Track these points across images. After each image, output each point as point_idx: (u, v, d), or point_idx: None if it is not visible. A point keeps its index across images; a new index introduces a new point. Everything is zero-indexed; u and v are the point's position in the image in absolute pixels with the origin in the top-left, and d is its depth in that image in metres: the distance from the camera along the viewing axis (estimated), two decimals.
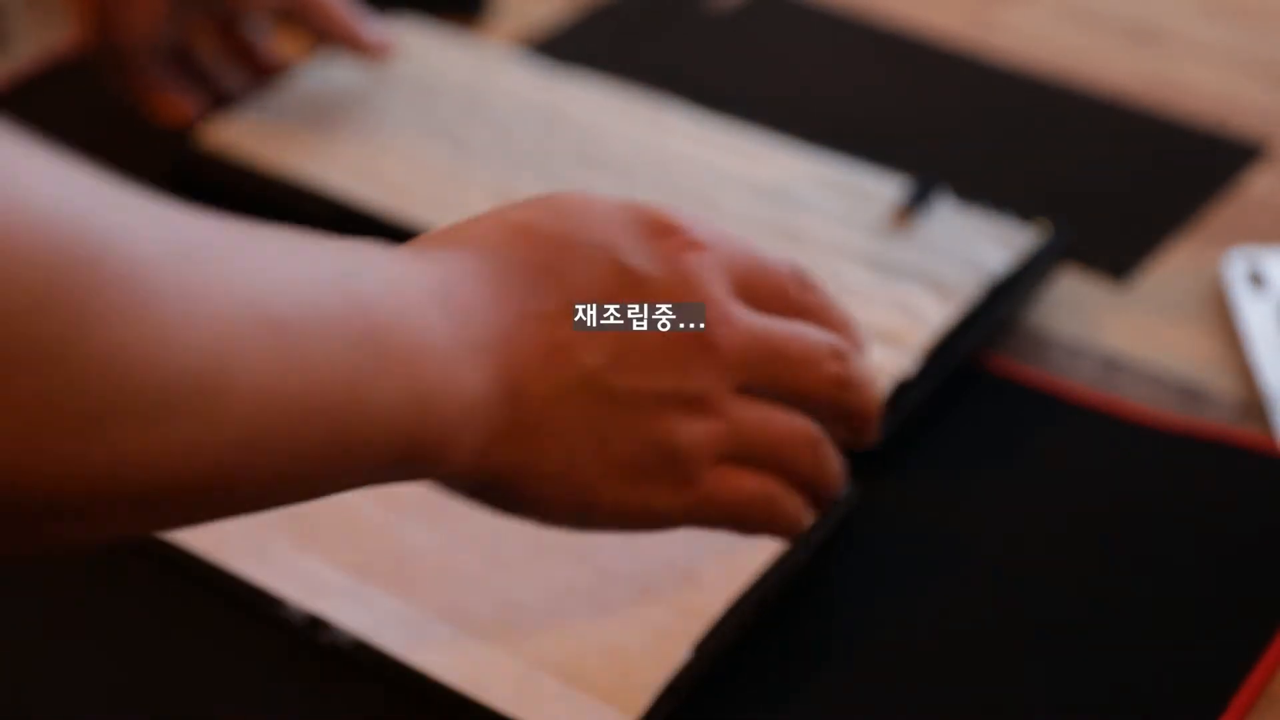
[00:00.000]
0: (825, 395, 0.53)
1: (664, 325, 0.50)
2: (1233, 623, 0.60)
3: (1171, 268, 0.75)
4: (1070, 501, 0.64)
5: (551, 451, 0.49)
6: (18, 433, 0.38)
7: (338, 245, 0.46)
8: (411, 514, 0.61)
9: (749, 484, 0.52)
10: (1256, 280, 0.73)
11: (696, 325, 0.50)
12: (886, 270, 0.70)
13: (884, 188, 0.74)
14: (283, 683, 0.57)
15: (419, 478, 0.48)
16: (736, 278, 0.52)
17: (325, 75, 0.82)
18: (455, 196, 0.75)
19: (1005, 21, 0.92)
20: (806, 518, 0.55)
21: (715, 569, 0.59)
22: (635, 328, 0.50)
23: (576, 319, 0.49)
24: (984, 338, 0.69)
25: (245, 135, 0.78)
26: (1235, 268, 0.74)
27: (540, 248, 0.50)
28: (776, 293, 0.53)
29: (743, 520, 0.53)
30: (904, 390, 0.65)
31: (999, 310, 0.69)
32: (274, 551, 0.60)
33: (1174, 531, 0.63)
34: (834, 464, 0.55)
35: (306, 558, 0.60)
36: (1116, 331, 0.72)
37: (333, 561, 0.59)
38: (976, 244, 0.71)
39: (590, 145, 0.77)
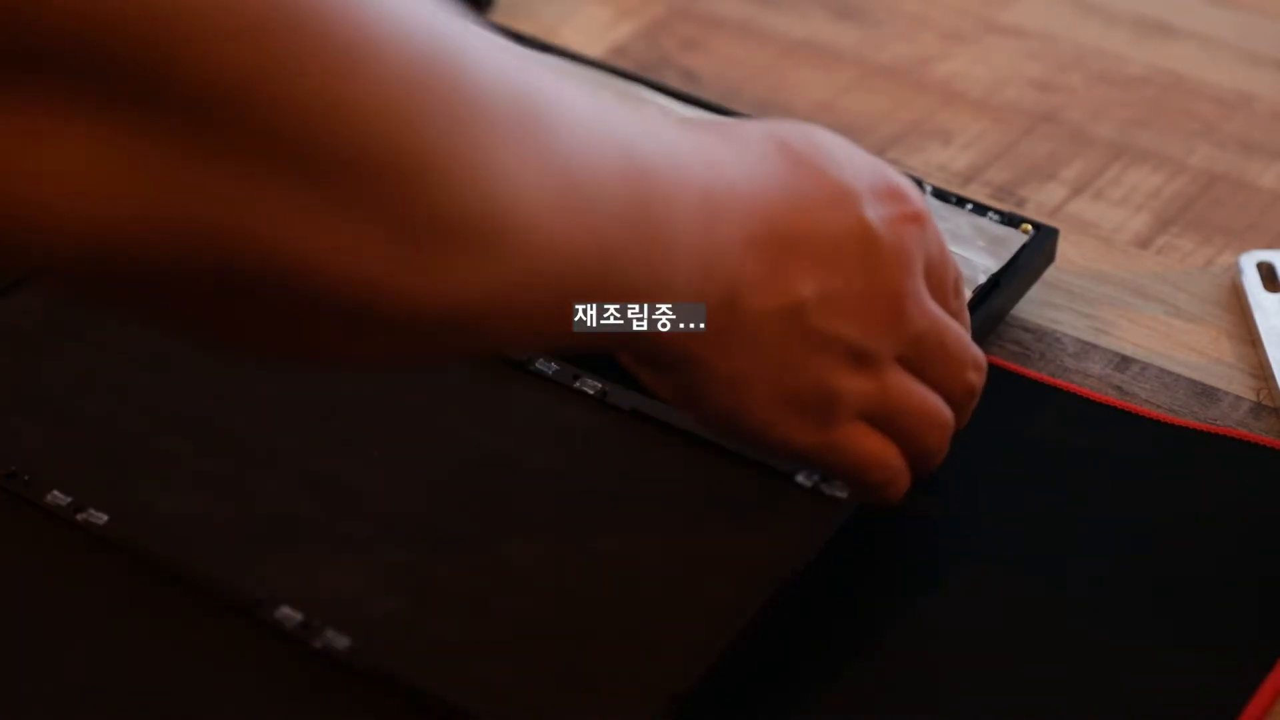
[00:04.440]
0: (955, 399, 0.57)
1: (872, 285, 0.53)
2: (1247, 623, 0.59)
3: (1186, 267, 0.75)
4: (1081, 499, 0.64)
5: (736, 360, 0.52)
6: (360, 238, 0.42)
7: (628, 111, 0.50)
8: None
9: (875, 446, 0.55)
10: (1272, 280, 0.72)
11: (898, 293, 0.53)
12: None
13: None
14: (274, 689, 0.56)
15: (622, 348, 0.53)
16: (926, 257, 0.55)
17: None
18: None
19: (1012, 15, 0.91)
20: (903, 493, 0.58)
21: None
22: (850, 281, 0.53)
23: (808, 253, 0.52)
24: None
25: None
26: (1250, 267, 0.73)
27: (796, 173, 0.52)
28: (940, 283, 0.56)
29: (858, 477, 0.56)
30: None
31: (982, 313, 0.68)
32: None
33: (1187, 530, 0.62)
34: (943, 454, 0.58)
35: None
36: (1130, 330, 0.71)
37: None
38: (960, 247, 0.70)
39: None
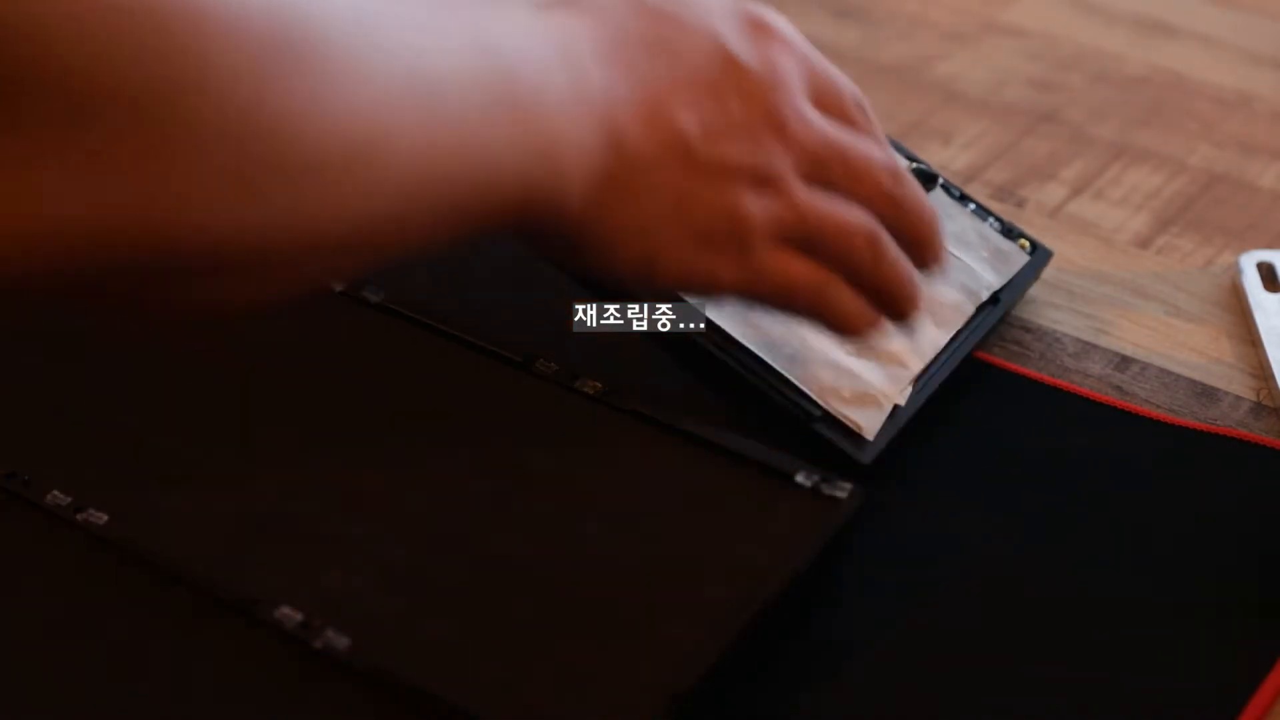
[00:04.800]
0: (877, 208, 0.57)
1: (750, 110, 0.54)
2: (1247, 623, 0.59)
3: (1186, 267, 0.75)
4: (1081, 499, 0.64)
5: (636, 207, 0.53)
6: (195, 184, 0.41)
7: (468, 3, 0.50)
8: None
9: (800, 268, 0.55)
10: (1272, 280, 0.72)
11: (778, 113, 0.54)
12: None
13: None
14: (274, 689, 0.56)
15: (524, 230, 0.53)
16: (810, 82, 0.56)
17: None
18: None
19: (1012, 15, 0.91)
20: (868, 319, 0.57)
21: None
22: (727, 109, 0.53)
23: (679, 90, 0.53)
24: (970, 349, 0.69)
25: None
26: (1250, 267, 0.73)
27: (654, 23, 0.53)
28: (836, 105, 0.56)
29: (791, 302, 0.56)
30: (895, 411, 0.65)
31: (980, 327, 0.69)
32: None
33: (1187, 530, 0.62)
34: (898, 267, 0.57)
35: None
36: (1130, 330, 0.71)
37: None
38: (965, 254, 0.70)
39: None
